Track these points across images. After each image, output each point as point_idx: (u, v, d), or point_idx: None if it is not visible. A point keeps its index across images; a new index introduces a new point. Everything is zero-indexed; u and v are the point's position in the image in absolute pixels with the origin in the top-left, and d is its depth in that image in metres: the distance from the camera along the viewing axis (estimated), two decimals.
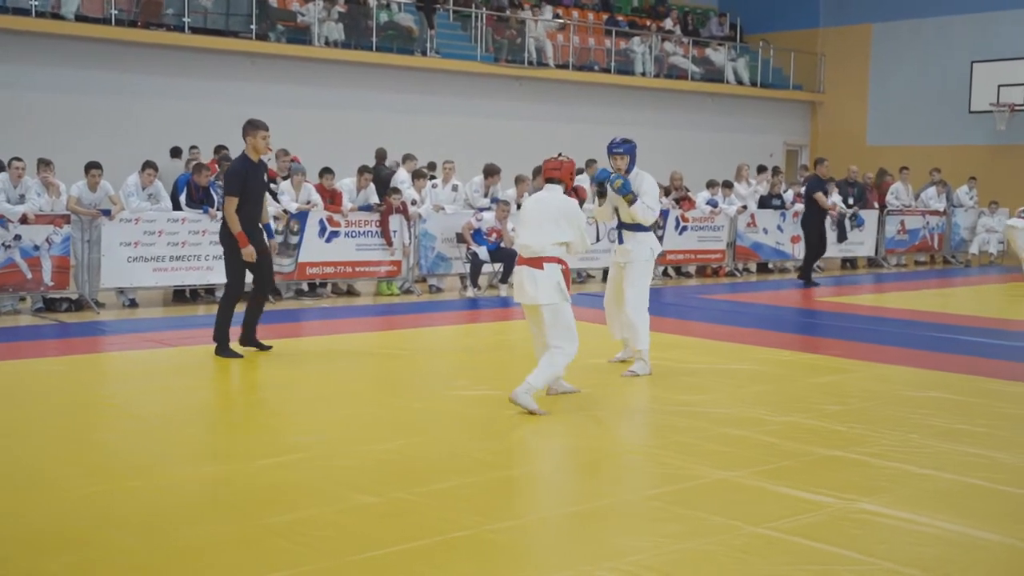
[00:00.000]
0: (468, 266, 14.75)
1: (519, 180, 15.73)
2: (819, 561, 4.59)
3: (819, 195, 16.85)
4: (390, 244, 14.54)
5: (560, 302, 7.29)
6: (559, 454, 6.73)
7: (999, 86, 23.34)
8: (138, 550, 4.64)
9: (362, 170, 14.98)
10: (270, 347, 9.54)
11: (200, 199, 13.24)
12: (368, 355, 9.78)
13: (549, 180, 7.56)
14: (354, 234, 14.37)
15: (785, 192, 19.58)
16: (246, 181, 9.01)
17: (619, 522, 5.21)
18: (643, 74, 24.43)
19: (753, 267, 19.31)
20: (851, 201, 20.14)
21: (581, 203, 7.70)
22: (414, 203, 14.93)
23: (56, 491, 5.47)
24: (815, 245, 17.08)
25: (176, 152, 16.29)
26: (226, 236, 9.13)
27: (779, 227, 19.16)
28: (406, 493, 5.46)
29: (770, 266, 19.37)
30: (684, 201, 17.77)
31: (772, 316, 13.14)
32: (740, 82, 26.16)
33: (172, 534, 4.84)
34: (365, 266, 14.57)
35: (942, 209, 21.70)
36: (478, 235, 14.68)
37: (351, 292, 14.85)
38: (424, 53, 21.15)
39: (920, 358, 9.78)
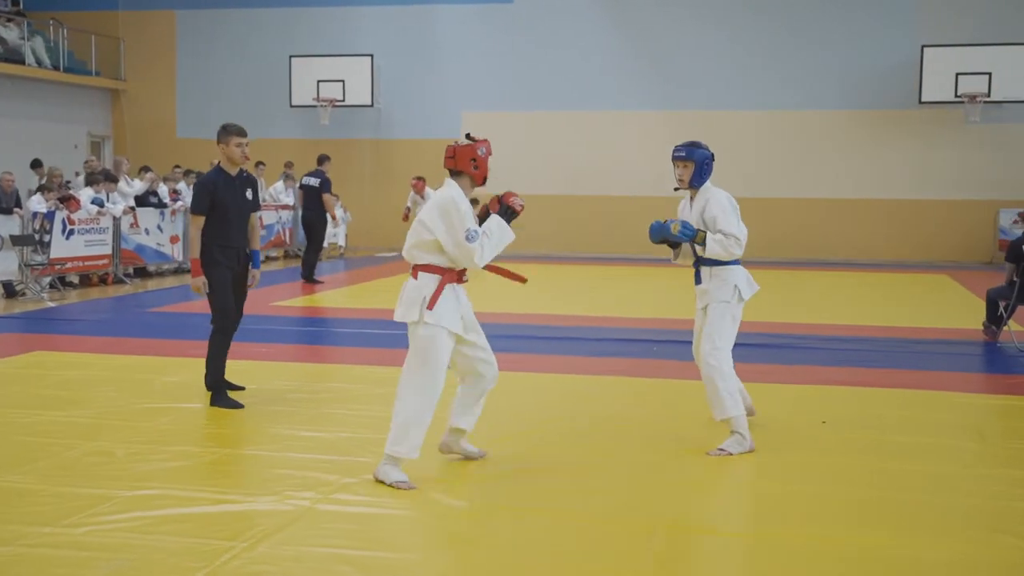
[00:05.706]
0: None
1: None
2: None
3: (327, 197, 16.30)
4: None
5: (419, 323, 5.57)
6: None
7: (319, 81, 23.79)
8: None
9: None
10: (243, 388, 8.10)
11: None
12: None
13: (450, 171, 5.74)
14: None
15: (160, 187, 17.93)
16: (214, 197, 7.56)
17: None
18: None
19: (131, 271, 17.23)
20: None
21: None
22: None
23: None
24: (320, 244, 16.67)
25: None
26: (204, 262, 7.68)
27: (159, 227, 17.50)
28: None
29: (151, 270, 17.58)
30: (70, 201, 15.34)
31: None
32: (41, 64, 23.30)
33: None
34: None
35: (291, 203, 21.63)
36: None
37: None
38: None
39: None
